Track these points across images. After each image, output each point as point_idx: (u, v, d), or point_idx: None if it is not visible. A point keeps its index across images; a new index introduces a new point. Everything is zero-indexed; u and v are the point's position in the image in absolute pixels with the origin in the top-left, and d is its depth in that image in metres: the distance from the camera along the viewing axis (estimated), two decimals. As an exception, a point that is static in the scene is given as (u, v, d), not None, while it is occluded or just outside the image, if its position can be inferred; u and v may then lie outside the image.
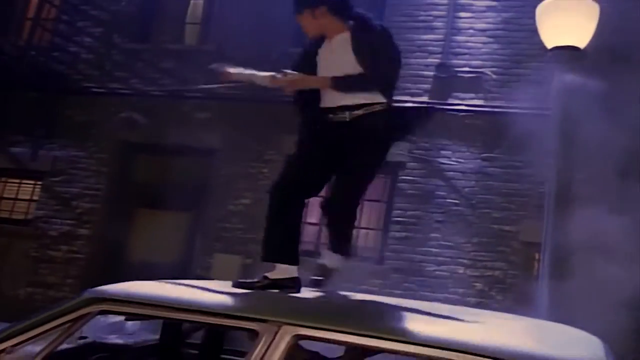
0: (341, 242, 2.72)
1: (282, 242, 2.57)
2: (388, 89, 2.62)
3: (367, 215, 6.94)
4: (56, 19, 7.99)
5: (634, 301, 4.58)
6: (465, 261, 6.26)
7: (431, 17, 6.85)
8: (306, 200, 2.68)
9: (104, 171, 7.50)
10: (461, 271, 6.25)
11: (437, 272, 6.31)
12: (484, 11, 6.78)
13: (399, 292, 6.04)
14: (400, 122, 2.68)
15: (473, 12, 6.82)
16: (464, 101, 6.60)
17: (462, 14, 6.84)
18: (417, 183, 6.59)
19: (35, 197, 7.74)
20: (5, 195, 7.95)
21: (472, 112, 6.51)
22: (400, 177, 6.63)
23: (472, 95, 6.60)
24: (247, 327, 1.97)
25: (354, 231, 2.86)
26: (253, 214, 6.78)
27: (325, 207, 2.67)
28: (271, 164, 6.96)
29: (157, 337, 2.94)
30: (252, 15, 7.31)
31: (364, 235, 6.72)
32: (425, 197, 6.53)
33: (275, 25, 7.18)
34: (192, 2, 8.04)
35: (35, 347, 2.17)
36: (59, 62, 7.82)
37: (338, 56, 2.58)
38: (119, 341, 2.88)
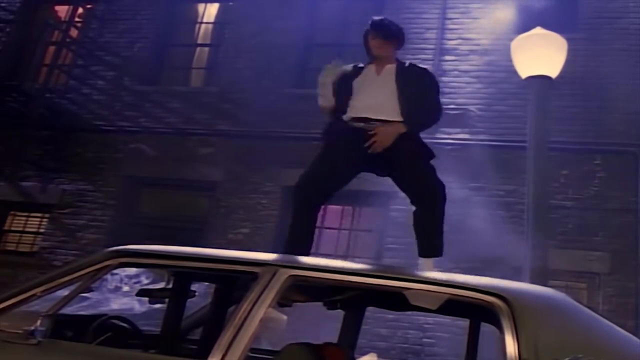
0: (432, 240, 3.03)
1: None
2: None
3: (361, 244, 7.24)
4: (72, 63, 8.52)
5: None
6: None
7: (419, 61, 7.32)
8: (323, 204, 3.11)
9: (110, 204, 7.79)
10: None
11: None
12: (467, 54, 7.34)
13: (391, 316, 6.23)
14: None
15: (457, 55, 7.38)
16: (451, 135, 7.01)
17: (448, 57, 7.39)
18: (409, 212, 6.89)
19: (42, 230, 7.96)
20: (13, 228, 8.18)
21: (458, 145, 6.91)
22: (392, 207, 6.96)
23: (458, 130, 7.04)
24: (249, 270, 2.28)
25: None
26: (252, 243, 7.07)
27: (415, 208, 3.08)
28: (270, 196, 7.32)
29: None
30: (253, 60, 7.89)
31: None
32: (416, 225, 6.81)
33: (274, 70, 7.77)
34: (197, 49, 8.65)
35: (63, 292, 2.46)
36: (72, 102, 8.27)
37: (383, 82, 3.15)
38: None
